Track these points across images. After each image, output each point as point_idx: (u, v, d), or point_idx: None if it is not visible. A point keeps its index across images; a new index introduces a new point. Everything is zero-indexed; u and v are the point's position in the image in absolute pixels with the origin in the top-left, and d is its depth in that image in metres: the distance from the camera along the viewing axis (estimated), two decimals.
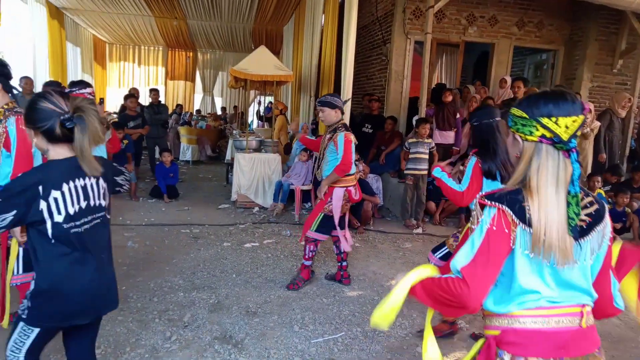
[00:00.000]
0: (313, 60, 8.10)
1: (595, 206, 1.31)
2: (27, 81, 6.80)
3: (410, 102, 7.88)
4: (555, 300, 1.27)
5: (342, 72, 5.83)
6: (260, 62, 6.83)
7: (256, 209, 6.52)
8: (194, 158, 10.89)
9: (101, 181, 1.79)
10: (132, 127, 7.15)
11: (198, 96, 16.43)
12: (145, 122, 7.49)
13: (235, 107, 14.50)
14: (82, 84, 3.55)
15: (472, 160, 2.79)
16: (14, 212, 1.54)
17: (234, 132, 9.01)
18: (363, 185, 5.82)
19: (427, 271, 1.42)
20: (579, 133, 1.27)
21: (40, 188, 1.58)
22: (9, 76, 2.44)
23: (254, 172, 6.54)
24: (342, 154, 3.57)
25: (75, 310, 1.73)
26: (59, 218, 1.62)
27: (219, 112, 15.33)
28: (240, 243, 4.97)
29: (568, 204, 1.23)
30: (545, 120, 1.23)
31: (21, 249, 2.47)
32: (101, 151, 3.69)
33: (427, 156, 5.91)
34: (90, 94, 3.46)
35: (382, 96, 8.08)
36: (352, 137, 3.64)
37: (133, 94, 7.68)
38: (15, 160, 2.37)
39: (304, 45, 8.61)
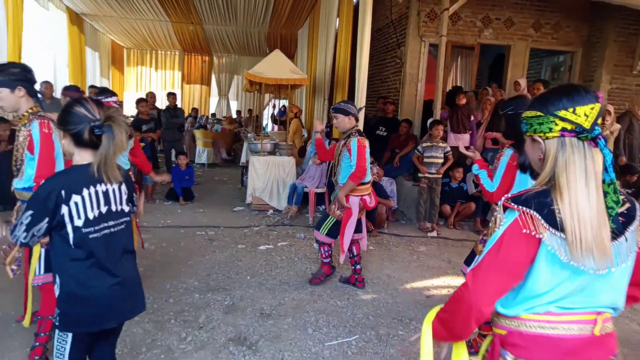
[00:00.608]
0: (327, 63, 8.12)
1: (627, 205, 1.22)
2: (47, 86, 6.95)
3: (425, 105, 7.85)
4: (566, 306, 1.22)
5: (356, 75, 5.84)
6: (275, 66, 6.87)
7: (270, 211, 6.55)
8: (210, 161, 10.99)
9: (124, 187, 1.81)
10: (145, 131, 7.25)
11: (214, 100, 16.59)
12: (158, 126, 7.58)
13: (249, 110, 14.61)
14: (108, 92, 3.65)
15: (508, 153, 2.65)
16: (46, 219, 1.61)
17: (249, 135, 9.08)
18: (377, 188, 5.81)
19: (435, 309, 1.40)
20: (599, 122, 1.21)
21: (63, 192, 1.62)
22: (32, 81, 2.50)
23: (268, 175, 6.58)
24: (355, 161, 3.57)
25: (99, 314, 1.75)
26: (78, 222, 1.65)
27: (234, 116, 15.46)
28: (254, 245, 5.01)
29: (605, 193, 1.16)
30: (562, 113, 1.19)
31: (43, 250, 2.52)
32: (124, 159, 3.78)
33: (441, 160, 5.88)
34: (115, 102, 3.57)
35: (397, 99, 8.06)
36: (366, 142, 3.65)
37: (144, 98, 7.76)
38: (38, 162, 2.42)
39: (319, 49, 8.64)
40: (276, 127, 10.74)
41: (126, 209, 1.82)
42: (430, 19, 7.52)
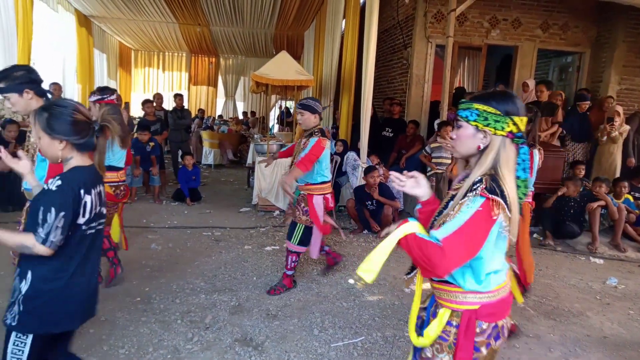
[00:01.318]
0: (333, 64, 8.13)
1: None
2: (55, 87, 7.02)
3: (432, 106, 7.83)
4: (504, 272, 1.57)
5: (362, 76, 5.84)
6: (281, 67, 6.89)
7: (277, 212, 6.56)
8: (216, 162, 11.03)
9: (104, 189, 1.85)
10: (151, 132, 7.29)
11: (220, 101, 16.64)
12: (165, 127, 7.62)
13: (252, 112, 14.66)
14: (109, 90, 3.66)
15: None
16: (71, 218, 1.62)
17: (255, 136, 9.10)
18: (383, 189, 5.80)
19: (414, 226, 1.54)
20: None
21: (82, 192, 1.65)
22: (38, 81, 2.50)
23: (274, 176, 6.59)
24: (307, 151, 3.54)
25: (67, 313, 1.71)
26: (81, 220, 1.67)
27: (241, 117, 15.51)
28: (261, 246, 5.01)
29: (518, 186, 1.52)
30: (516, 119, 1.44)
31: None
32: (122, 157, 3.74)
33: (449, 160, 5.87)
34: (116, 99, 3.59)
35: (403, 100, 8.05)
36: (326, 143, 3.63)
37: (150, 99, 7.81)
38: (50, 164, 2.45)
39: (325, 50, 8.65)
40: (278, 126, 10.75)
41: (104, 210, 1.84)
42: (437, 20, 7.50)
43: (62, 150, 1.67)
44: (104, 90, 3.60)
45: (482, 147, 1.48)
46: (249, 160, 8.44)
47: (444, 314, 1.56)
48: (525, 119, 1.47)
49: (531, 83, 7.25)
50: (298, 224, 3.75)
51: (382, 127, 7.58)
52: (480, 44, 7.95)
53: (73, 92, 9.99)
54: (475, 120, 1.47)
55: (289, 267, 3.82)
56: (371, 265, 1.63)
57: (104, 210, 1.84)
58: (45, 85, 2.62)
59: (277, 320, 3.32)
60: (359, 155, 6.43)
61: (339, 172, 6.66)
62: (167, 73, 15.98)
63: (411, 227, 1.53)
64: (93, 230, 1.75)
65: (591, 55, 8.08)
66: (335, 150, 6.93)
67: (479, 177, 1.43)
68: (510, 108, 1.44)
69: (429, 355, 1.58)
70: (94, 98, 3.54)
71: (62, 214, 1.57)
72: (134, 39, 13.65)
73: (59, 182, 1.62)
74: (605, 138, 6.42)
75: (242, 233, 5.50)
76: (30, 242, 1.56)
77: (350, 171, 6.59)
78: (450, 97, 7.07)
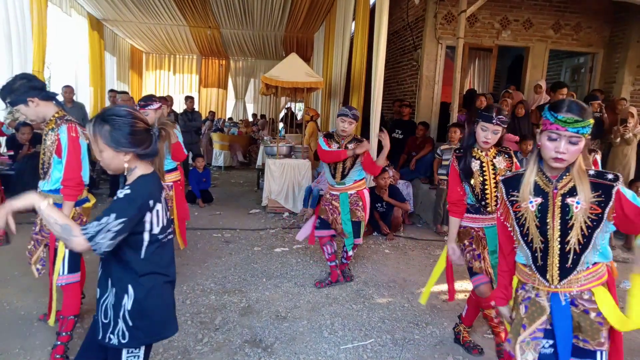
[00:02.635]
0: (343, 66, 8.13)
1: None
2: (67, 90, 7.10)
3: (442, 107, 7.79)
4: None
5: (372, 78, 5.83)
6: (291, 69, 6.90)
7: (286, 214, 6.57)
8: (226, 164, 11.09)
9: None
10: None
11: (230, 103, 16.72)
12: None
13: (262, 115, 14.73)
14: (151, 98, 3.81)
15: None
16: (130, 229, 1.55)
17: (265, 138, 9.13)
18: (393, 191, 5.79)
19: None
20: None
21: (151, 202, 1.60)
22: (38, 87, 2.50)
23: (284, 178, 6.61)
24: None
25: (167, 321, 1.73)
26: (156, 230, 1.64)
27: (250, 119, 15.57)
28: (270, 248, 5.02)
29: None
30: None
31: (67, 251, 2.57)
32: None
33: None
34: (159, 107, 3.76)
35: (413, 102, 8.02)
36: None
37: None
38: (66, 166, 2.49)
39: (335, 52, 8.65)
40: (284, 128, 10.78)
41: (170, 217, 1.84)
42: (447, 21, 7.47)
43: (127, 162, 1.61)
44: (147, 99, 3.76)
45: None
46: (259, 162, 8.48)
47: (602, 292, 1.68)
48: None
49: (544, 85, 7.19)
50: (362, 222, 3.93)
51: (392, 129, 7.56)
52: (491, 45, 7.90)
53: (85, 95, 10.11)
54: (588, 133, 1.61)
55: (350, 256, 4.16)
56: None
57: (170, 216, 1.80)
58: (58, 89, 2.66)
59: (287, 321, 3.32)
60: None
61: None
62: (177, 75, 16.09)
63: None
64: (167, 238, 1.72)
65: (604, 56, 7.98)
66: None
67: (594, 171, 1.66)
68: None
69: (606, 335, 1.69)
70: (155, 105, 3.75)
71: (121, 219, 1.50)
72: (146, 41, 13.78)
73: (128, 191, 1.57)
74: (618, 140, 6.33)
75: (252, 235, 5.51)
76: (76, 231, 1.47)
77: None
78: (460, 98, 7.02)
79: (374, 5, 6.17)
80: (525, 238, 1.73)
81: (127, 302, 1.61)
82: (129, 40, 13.70)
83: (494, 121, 2.60)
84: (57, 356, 2.60)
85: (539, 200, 1.69)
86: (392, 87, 9.42)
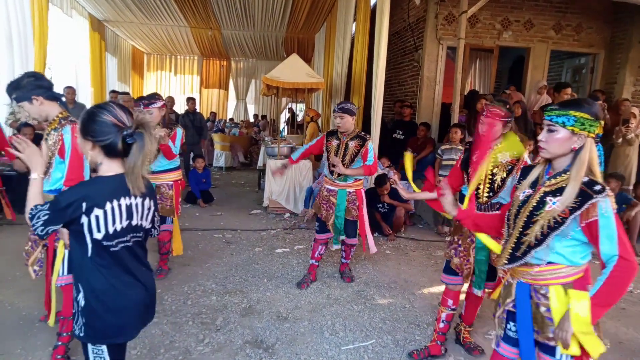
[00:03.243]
0: (344, 67, 8.14)
1: None
2: (69, 90, 7.11)
3: (443, 108, 7.79)
4: None
5: (373, 79, 5.83)
6: (292, 70, 6.90)
7: (287, 214, 6.58)
8: (227, 164, 11.10)
9: (147, 201, 1.74)
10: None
11: (231, 103, 16.74)
12: None
13: (263, 116, 14.75)
14: (154, 97, 3.78)
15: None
16: (60, 225, 1.58)
17: (266, 139, 9.14)
18: (395, 192, 5.78)
19: (582, 295, 1.64)
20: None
21: (84, 205, 1.55)
22: (45, 86, 2.50)
23: (285, 179, 6.61)
24: (372, 158, 3.79)
25: (126, 323, 1.70)
26: (98, 235, 1.59)
27: (252, 120, 15.58)
28: (271, 248, 5.03)
29: None
30: (602, 122, 1.68)
31: (66, 251, 2.58)
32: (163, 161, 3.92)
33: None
34: (162, 106, 3.75)
35: (414, 102, 8.02)
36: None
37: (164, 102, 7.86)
38: (68, 167, 2.50)
39: (335, 53, 8.65)
40: (287, 129, 10.78)
41: (145, 224, 1.75)
42: (448, 21, 7.47)
43: (90, 152, 1.62)
44: (150, 98, 3.75)
45: (577, 148, 1.67)
46: (260, 163, 8.48)
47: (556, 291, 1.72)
48: (604, 121, 1.72)
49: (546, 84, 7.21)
50: (357, 221, 3.94)
51: (393, 130, 7.55)
52: (492, 46, 7.89)
53: (86, 95, 10.13)
54: (572, 125, 1.65)
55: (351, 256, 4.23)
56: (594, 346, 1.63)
57: (142, 224, 1.73)
58: (59, 89, 2.65)
59: (288, 322, 3.32)
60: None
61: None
62: (179, 76, 16.12)
63: (581, 299, 1.64)
64: (123, 245, 1.66)
65: (605, 57, 7.97)
66: None
67: (587, 179, 1.64)
68: (599, 113, 1.67)
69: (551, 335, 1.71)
70: (159, 104, 3.73)
71: (47, 212, 1.56)
72: (147, 42, 13.81)
73: (67, 189, 1.64)
74: (620, 140, 6.32)
75: (253, 235, 5.51)
76: (28, 208, 1.59)
77: None
78: (461, 99, 7.02)
79: (375, 6, 6.18)
80: (507, 221, 1.87)
81: (81, 299, 1.64)
82: (131, 41, 13.73)
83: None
84: (58, 357, 2.60)
85: (530, 192, 1.78)
86: (393, 87, 9.42)
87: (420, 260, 4.91)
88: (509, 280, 1.86)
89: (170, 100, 8.26)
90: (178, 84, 16.11)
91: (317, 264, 4.08)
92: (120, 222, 1.63)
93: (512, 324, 1.86)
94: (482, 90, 8.58)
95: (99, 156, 1.62)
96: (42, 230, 1.57)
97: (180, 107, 11.36)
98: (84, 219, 1.56)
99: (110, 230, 1.60)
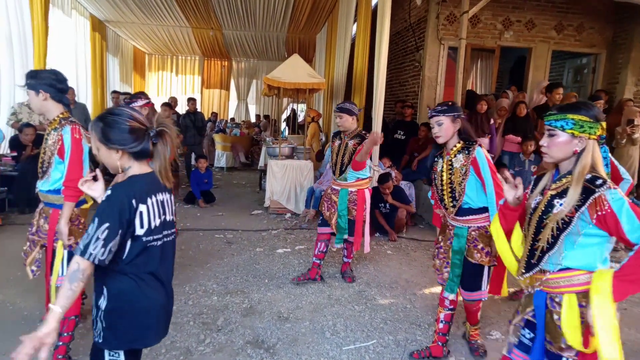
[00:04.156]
0: (345, 67, 8.14)
1: None
2: (69, 91, 7.11)
3: None
4: None
5: (374, 79, 5.83)
6: (293, 70, 6.91)
7: (288, 215, 6.57)
8: (228, 165, 11.11)
9: (171, 196, 1.78)
10: None
11: (232, 104, 16.75)
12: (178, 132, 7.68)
13: (266, 116, 14.76)
14: (138, 95, 3.79)
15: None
16: (120, 232, 1.51)
17: (267, 139, 9.14)
18: (398, 192, 5.77)
19: (606, 273, 1.61)
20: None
21: (134, 202, 1.55)
22: (57, 87, 2.53)
23: (286, 179, 6.61)
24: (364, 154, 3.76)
25: (148, 329, 1.66)
26: (140, 231, 1.58)
27: (253, 120, 15.59)
28: (272, 249, 5.02)
29: None
30: (603, 124, 1.69)
31: (66, 252, 2.58)
32: None
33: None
34: (147, 105, 3.74)
35: (415, 103, 8.02)
36: None
37: (168, 103, 7.87)
38: (68, 167, 2.50)
39: (337, 53, 8.66)
40: (287, 130, 10.80)
41: (174, 219, 1.78)
42: (450, 22, 7.46)
43: (119, 160, 1.61)
44: (134, 97, 3.78)
45: (578, 151, 1.68)
46: (261, 163, 8.49)
47: (570, 299, 1.69)
48: (605, 123, 1.70)
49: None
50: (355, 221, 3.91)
51: (394, 130, 7.55)
52: (493, 46, 7.89)
53: (87, 96, 10.14)
54: (571, 129, 1.67)
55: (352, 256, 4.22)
56: (613, 345, 1.58)
57: (172, 219, 1.75)
58: (65, 93, 2.65)
59: (289, 322, 3.32)
60: (371, 157, 6.40)
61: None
62: (180, 76, 16.14)
63: (604, 275, 1.60)
64: (160, 242, 1.66)
65: (607, 57, 7.96)
66: None
67: (590, 175, 1.64)
68: (598, 115, 1.68)
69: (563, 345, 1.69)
70: (140, 102, 3.70)
71: (105, 225, 1.47)
72: (148, 43, 13.82)
73: (109, 193, 1.56)
74: (624, 141, 6.31)
75: (254, 235, 5.51)
76: (75, 258, 1.47)
77: None
78: (463, 99, 7.02)
79: (376, 6, 6.17)
80: (523, 231, 1.89)
81: (102, 302, 1.60)
82: (132, 41, 13.75)
83: (430, 114, 2.70)
84: (60, 357, 2.60)
85: (540, 198, 1.79)
86: (394, 88, 9.42)
87: (422, 260, 4.91)
88: (529, 289, 1.85)
89: (174, 101, 8.28)
90: (179, 84, 16.13)
91: (318, 262, 4.05)
92: (159, 217, 1.65)
93: (527, 330, 1.86)
94: (483, 91, 8.58)
95: (129, 161, 1.63)
96: (102, 254, 1.47)
97: (182, 108, 11.37)
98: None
99: (152, 225, 1.62)
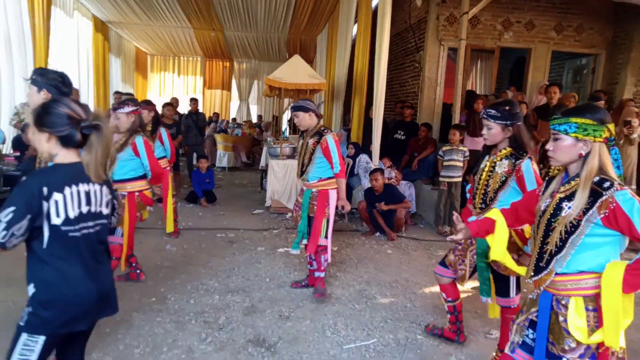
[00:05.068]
0: (345, 68, 8.17)
1: None
2: (74, 92, 7.16)
3: (444, 108, 7.81)
4: None
5: (374, 79, 5.86)
6: (294, 71, 6.94)
7: (289, 214, 6.60)
8: (230, 165, 11.15)
9: (105, 188, 1.80)
10: None
11: (234, 104, 16.80)
12: (180, 131, 7.71)
13: (273, 117, 14.80)
14: (126, 102, 3.65)
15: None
16: (28, 216, 1.55)
17: (268, 139, 9.18)
18: (390, 192, 5.77)
19: (618, 265, 1.62)
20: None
21: (45, 189, 1.58)
22: (60, 89, 2.55)
23: (287, 179, 6.64)
24: (337, 159, 3.57)
25: (73, 316, 1.70)
26: (56, 220, 1.62)
27: (254, 120, 15.63)
28: (273, 248, 5.06)
29: None
30: (610, 126, 1.67)
31: None
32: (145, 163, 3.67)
33: (461, 164, 5.84)
34: (134, 112, 3.60)
35: (415, 103, 8.05)
36: (337, 138, 3.67)
37: (170, 103, 7.91)
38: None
39: (337, 54, 8.69)
40: (289, 130, 10.81)
41: (105, 211, 1.81)
42: (450, 22, 7.49)
43: (47, 144, 1.67)
44: (122, 103, 3.62)
45: (584, 154, 1.68)
46: (262, 163, 8.52)
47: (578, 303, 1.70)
48: (613, 124, 1.69)
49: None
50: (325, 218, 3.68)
51: (394, 130, 7.58)
52: (493, 47, 7.91)
53: (89, 97, 10.19)
54: (575, 132, 1.68)
55: (322, 267, 3.76)
56: (615, 335, 1.66)
57: (102, 210, 1.78)
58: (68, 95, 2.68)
59: (290, 321, 3.35)
60: (371, 157, 6.45)
61: (351, 174, 6.69)
62: (182, 77, 16.20)
63: (616, 266, 1.62)
64: (86, 231, 1.71)
65: (607, 57, 7.98)
66: (347, 154, 6.96)
67: (598, 178, 1.64)
68: (604, 117, 1.67)
69: (573, 345, 1.69)
70: (127, 109, 3.57)
71: (10, 209, 1.52)
72: (150, 43, 13.88)
73: (23, 179, 1.62)
74: (622, 141, 6.32)
75: (256, 235, 5.55)
76: None
77: (362, 173, 6.62)
78: (462, 100, 7.04)
79: (377, 7, 6.21)
80: (533, 233, 1.90)
81: (31, 288, 1.67)
82: (134, 42, 13.80)
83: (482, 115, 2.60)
84: None
85: (549, 201, 1.79)
86: (395, 88, 9.45)
87: (422, 259, 4.94)
88: (536, 291, 1.85)
89: (176, 102, 8.31)
90: (181, 85, 16.19)
91: (313, 269, 3.90)
92: (79, 207, 1.69)
93: (531, 331, 1.86)
94: (483, 92, 8.61)
95: (55, 147, 1.68)
96: (3, 237, 1.52)
97: (183, 108, 11.42)
98: (44, 205, 1.59)
99: (71, 214, 1.66)
